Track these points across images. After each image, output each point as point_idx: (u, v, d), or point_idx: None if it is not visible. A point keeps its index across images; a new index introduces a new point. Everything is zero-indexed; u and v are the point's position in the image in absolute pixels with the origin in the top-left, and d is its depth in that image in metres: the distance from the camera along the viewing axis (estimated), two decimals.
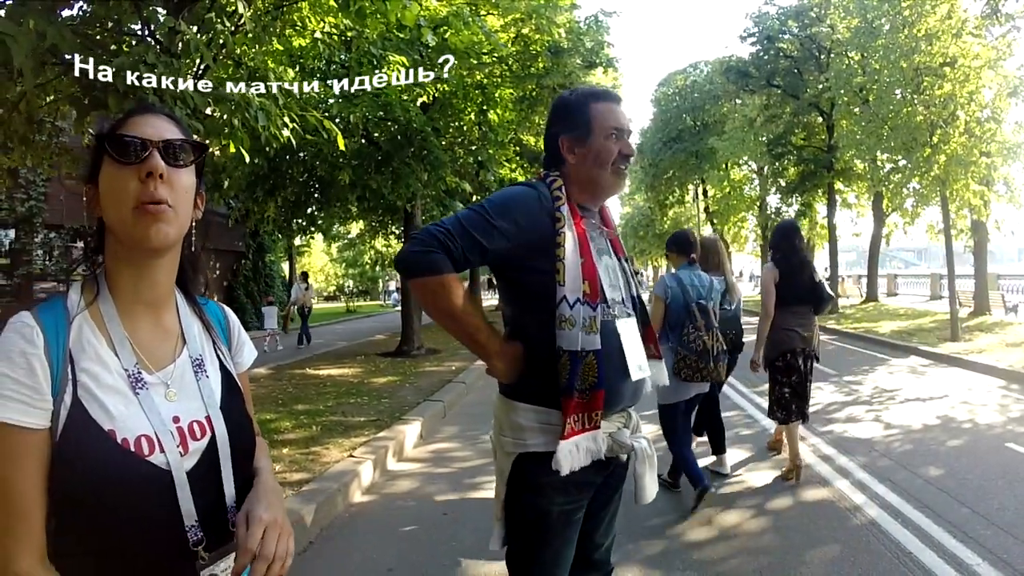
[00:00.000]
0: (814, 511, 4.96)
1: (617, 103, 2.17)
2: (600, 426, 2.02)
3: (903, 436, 6.93)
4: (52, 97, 6.31)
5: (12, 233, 16.89)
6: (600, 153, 2.10)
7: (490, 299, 37.21)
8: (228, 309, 1.53)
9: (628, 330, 2.11)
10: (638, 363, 2.10)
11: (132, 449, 1.14)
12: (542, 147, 2.27)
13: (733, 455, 6.48)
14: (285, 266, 31.59)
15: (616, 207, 62.78)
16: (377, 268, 47.99)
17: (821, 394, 9.38)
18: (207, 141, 5.98)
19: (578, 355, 1.94)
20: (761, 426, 7.60)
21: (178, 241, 1.27)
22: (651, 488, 2.14)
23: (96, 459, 1.11)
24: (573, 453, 1.95)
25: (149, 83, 5.14)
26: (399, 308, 29.92)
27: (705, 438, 6.10)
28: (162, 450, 1.17)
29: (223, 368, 1.38)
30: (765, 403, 8.59)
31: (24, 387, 1.10)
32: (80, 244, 18.21)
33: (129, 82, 5.05)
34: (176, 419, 1.22)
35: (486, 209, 1.97)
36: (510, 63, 14.35)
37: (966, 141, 14.27)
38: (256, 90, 5.86)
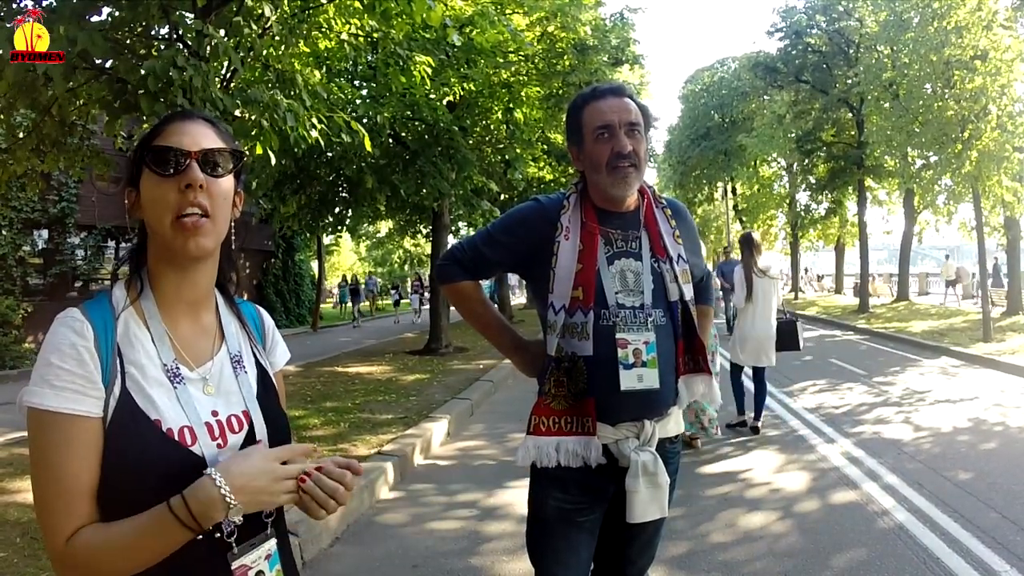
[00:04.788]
0: (841, 514, 4.92)
1: (609, 97, 2.11)
2: (595, 432, 2.04)
3: (933, 439, 6.85)
4: (83, 101, 6.40)
5: (45, 233, 17.20)
6: (591, 157, 2.10)
7: (518, 298, 37.30)
8: (263, 310, 1.56)
9: (639, 338, 2.04)
10: (638, 373, 2.02)
11: (176, 439, 1.17)
12: None
13: (760, 455, 6.45)
14: (314, 265, 31.80)
15: None
16: (406, 267, 48.14)
17: (850, 395, 9.30)
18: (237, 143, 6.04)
19: (552, 359, 2.07)
20: (789, 427, 7.55)
21: (217, 248, 1.30)
22: (646, 507, 2.05)
23: (142, 446, 1.14)
24: (543, 450, 2.06)
25: (179, 85, 5.22)
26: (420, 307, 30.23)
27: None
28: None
29: (259, 365, 1.41)
30: (794, 404, 8.60)
31: (77, 376, 1.13)
32: (112, 244, 18.49)
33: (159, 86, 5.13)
34: (215, 413, 1.25)
35: (493, 225, 2.30)
36: (536, 61, 14.33)
37: (998, 136, 13.99)
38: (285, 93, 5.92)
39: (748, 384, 7.75)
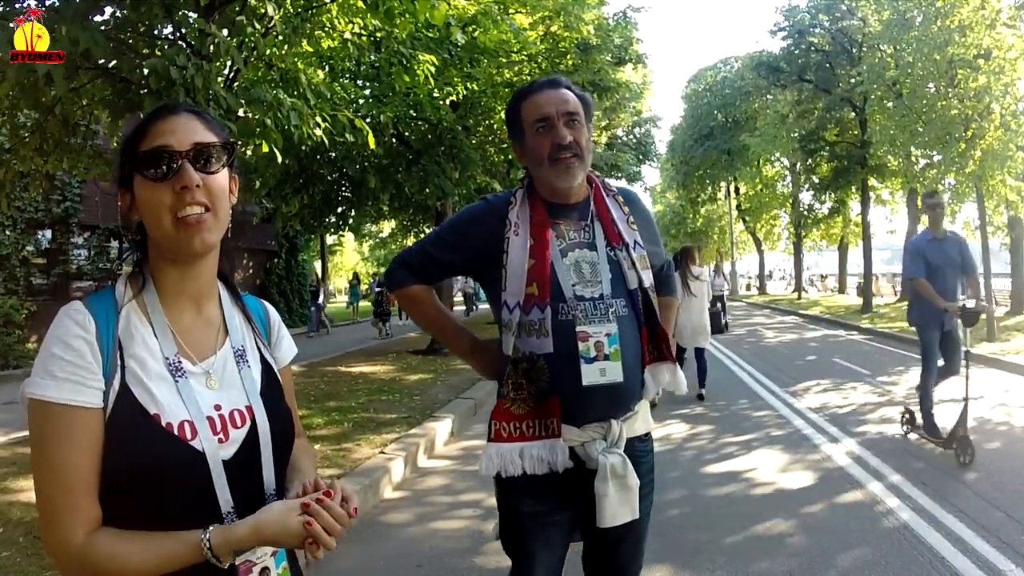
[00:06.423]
0: (846, 513, 4.91)
1: (546, 90, 2.08)
2: (560, 435, 1.97)
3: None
4: (86, 101, 6.39)
5: (49, 233, 17.21)
6: (533, 151, 2.07)
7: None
8: (268, 305, 1.54)
9: (600, 330, 1.98)
10: (600, 366, 1.96)
11: (176, 433, 1.16)
12: None
13: (764, 455, 6.44)
14: (317, 264, 31.78)
15: (648, 204, 62.45)
16: None
17: (854, 394, 9.29)
18: (239, 142, 6.05)
19: (509, 359, 2.03)
20: (793, 427, 7.53)
21: (219, 241, 1.28)
22: (616, 510, 1.97)
23: (141, 441, 1.13)
24: (507, 458, 1.99)
25: (182, 85, 5.21)
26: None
27: None
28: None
29: (263, 360, 1.40)
30: (798, 404, 8.58)
31: (78, 368, 1.12)
32: (115, 244, 18.50)
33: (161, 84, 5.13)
34: (217, 407, 1.24)
35: (442, 227, 2.29)
36: (539, 61, 14.34)
37: (1002, 135, 13.95)
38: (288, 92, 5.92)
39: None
